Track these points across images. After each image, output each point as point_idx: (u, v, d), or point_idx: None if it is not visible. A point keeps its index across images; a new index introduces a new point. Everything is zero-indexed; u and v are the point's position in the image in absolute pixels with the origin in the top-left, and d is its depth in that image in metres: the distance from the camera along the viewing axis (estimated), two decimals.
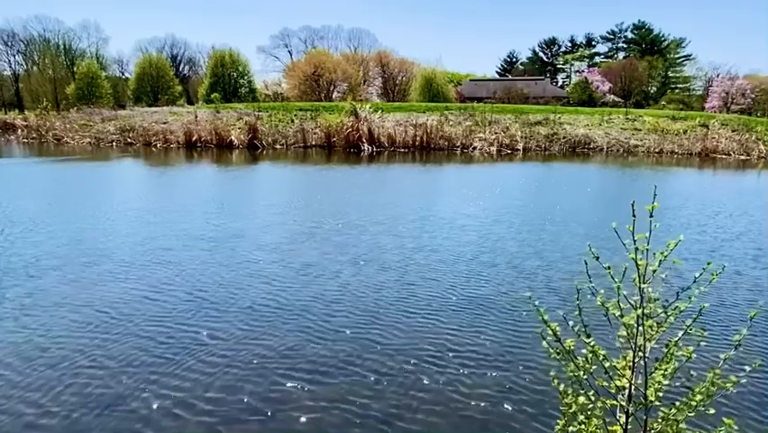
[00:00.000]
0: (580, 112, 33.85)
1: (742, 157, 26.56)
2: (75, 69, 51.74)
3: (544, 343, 2.37)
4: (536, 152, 26.98)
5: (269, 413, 3.69)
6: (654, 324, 2.23)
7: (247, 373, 4.22)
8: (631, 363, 2.30)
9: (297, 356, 4.50)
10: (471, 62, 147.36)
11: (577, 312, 2.39)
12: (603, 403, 2.34)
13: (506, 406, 3.82)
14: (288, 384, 4.06)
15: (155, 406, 3.75)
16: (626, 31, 79.34)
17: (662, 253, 2.19)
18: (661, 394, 2.22)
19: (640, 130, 30.01)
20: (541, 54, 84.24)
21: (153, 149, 26.51)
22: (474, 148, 27.13)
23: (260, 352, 4.57)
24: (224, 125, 28.21)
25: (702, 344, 2.15)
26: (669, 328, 2.24)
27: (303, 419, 3.62)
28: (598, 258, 2.34)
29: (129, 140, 28.62)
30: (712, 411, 2.20)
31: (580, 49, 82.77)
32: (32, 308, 5.44)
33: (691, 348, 2.21)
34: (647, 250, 2.17)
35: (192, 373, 4.20)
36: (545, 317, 2.35)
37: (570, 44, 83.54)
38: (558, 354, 2.34)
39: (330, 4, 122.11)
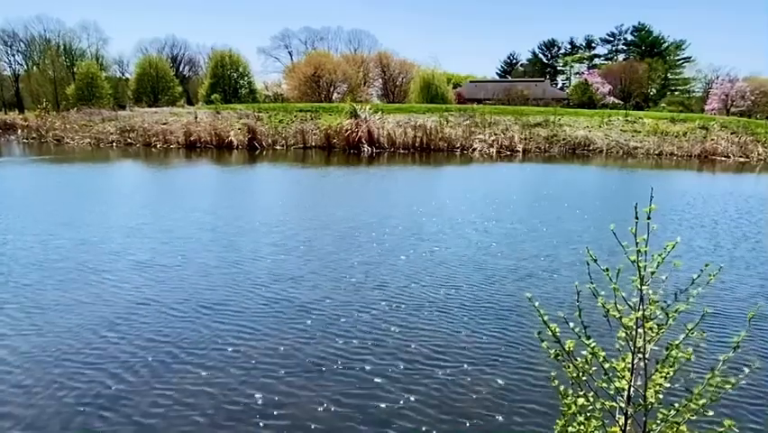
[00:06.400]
0: (579, 114, 33.84)
1: (741, 159, 26.59)
2: (75, 69, 51.71)
3: (544, 344, 2.38)
4: (536, 154, 27.00)
5: (268, 413, 3.69)
6: (654, 326, 2.23)
7: (247, 372, 4.23)
8: (630, 365, 2.30)
9: (298, 356, 4.50)
10: (471, 64, 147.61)
11: (577, 313, 2.39)
12: (602, 405, 2.35)
13: (505, 406, 3.82)
14: (288, 384, 4.06)
15: (155, 406, 3.75)
16: (625, 33, 79.43)
17: (660, 255, 2.19)
18: (661, 396, 2.23)
19: (640, 132, 30.02)
20: (541, 56, 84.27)
21: (153, 149, 26.51)
22: (474, 149, 27.14)
23: (260, 352, 4.58)
24: (224, 126, 28.22)
25: (702, 345, 2.15)
26: (669, 330, 2.24)
27: (302, 419, 3.62)
28: (596, 260, 2.34)
29: (129, 140, 28.61)
30: (711, 413, 2.21)
31: (580, 51, 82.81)
32: (29, 310, 5.45)
33: (690, 350, 2.22)
34: (646, 252, 2.17)
35: (192, 373, 4.21)
36: (545, 318, 2.36)
37: (570, 46, 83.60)
38: (557, 355, 2.34)
39: (330, 5, 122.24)
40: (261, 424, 3.58)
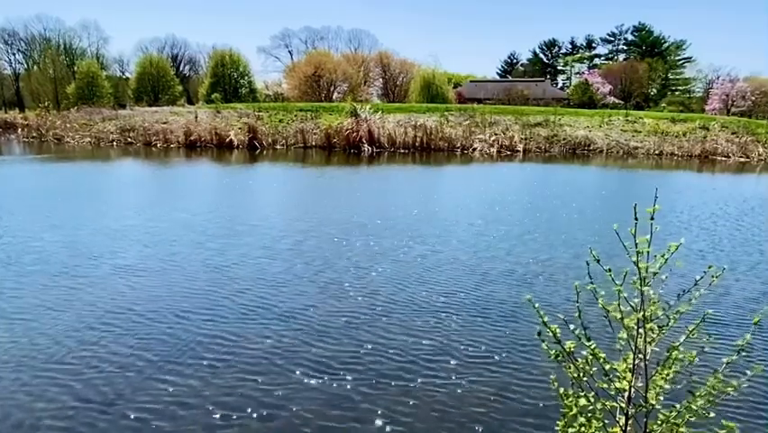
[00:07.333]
0: (580, 114, 33.82)
1: (741, 159, 26.58)
2: (75, 68, 51.71)
3: (544, 345, 2.37)
4: (536, 154, 26.99)
5: (268, 413, 3.68)
6: (655, 327, 2.23)
7: (246, 373, 4.21)
8: (631, 366, 2.30)
9: (297, 357, 4.49)
10: (472, 63, 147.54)
11: (577, 314, 2.39)
12: (603, 405, 2.34)
13: (506, 407, 3.81)
14: (288, 384, 4.05)
15: (154, 406, 3.74)
16: (626, 33, 79.46)
17: (662, 256, 2.19)
18: (662, 398, 2.22)
19: (640, 132, 30.01)
20: (541, 56, 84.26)
21: (153, 149, 26.49)
22: (474, 149, 27.13)
23: (259, 352, 4.57)
24: (225, 126, 28.21)
25: (704, 347, 2.15)
26: (670, 331, 2.24)
27: (302, 419, 3.62)
28: (599, 261, 2.34)
29: (129, 139, 28.60)
30: (712, 415, 2.20)
31: (581, 50, 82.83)
32: (26, 309, 5.44)
33: (694, 352, 2.21)
34: (648, 252, 2.17)
35: (191, 373, 4.20)
36: (545, 319, 2.35)
37: (570, 46, 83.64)
38: (558, 355, 2.34)
39: (330, 4, 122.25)
40: (260, 424, 3.56)
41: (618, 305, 2.23)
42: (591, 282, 2.30)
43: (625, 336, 2.26)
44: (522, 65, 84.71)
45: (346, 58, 57.66)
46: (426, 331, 5.06)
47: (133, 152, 24.85)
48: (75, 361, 4.35)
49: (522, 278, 6.71)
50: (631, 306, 2.24)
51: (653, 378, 2.26)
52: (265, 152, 25.93)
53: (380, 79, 59.81)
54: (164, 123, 29.82)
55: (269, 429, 3.52)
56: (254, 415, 3.65)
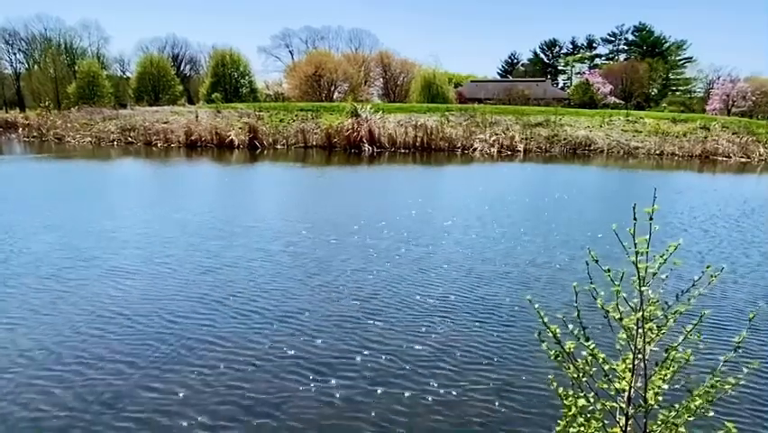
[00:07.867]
0: (580, 114, 33.81)
1: (742, 159, 26.57)
2: (76, 68, 51.70)
3: (544, 345, 2.38)
4: (537, 154, 26.99)
5: (260, 418, 3.66)
6: (654, 327, 2.24)
7: (239, 377, 4.19)
8: (631, 366, 2.30)
9: (297, 357, 4.50)
10: (472, 63, 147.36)
11: (577, 315, 2.40)
12: (603, 406, 2.35)
13: (505, 407, 3.82)
14: (281, 389, 4.05)
15: (145, 411, 3.71)
16: (626, 33, 79.38)
17: (661, 256, 2.20)
18: (660, 398, 2.23)
19: (641, 132, 30.00)
20: (542, 56, 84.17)
21: (154, 148, 26.49)
22: (474, 149, 27.13)
23: (259, 353, 4.57)
24: (225, 125, 28.22)
25: (701, 347, 2.16)
26: (669, 331, 2.25)
27: (295, 425, 3.61)
28: (597, 261, 2.35)
29: (130, 139, 28.60)
30: (711, 414, 2.21)
31: (581, 50, 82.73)
32: (16, 311, 5.43)
33: (690, 351, 2.22)
34: (647, 253, 2.18)
35: (183, 378, 4.18)
36: (545, 320, 2.36)
37: (571, 46, 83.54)
38: (557, 356, 2.35)
39: (330, 4, 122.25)
40: (260, 424, 3.56)
41: (617, 305, 2.24)
42: (591, 283, 2.31)
43: (624, 336, 2.27)
44: (522, 65, 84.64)
45: (347, 57, 57.64)
46: (423, 334, 5.06)
47: (134, 152, 24.85)
48: (63, 366, 4.29)
49: (520, 279, 6.71)
50: (630, 306, 2.24)
51: (653, 378, 2.26)
52: (266, 151, 25.93)
53: (381, 79, 59.84)
54: (165, 122, 29.83)
55: (271, 427, 3.52)
56: (247, 420, 3.64)
